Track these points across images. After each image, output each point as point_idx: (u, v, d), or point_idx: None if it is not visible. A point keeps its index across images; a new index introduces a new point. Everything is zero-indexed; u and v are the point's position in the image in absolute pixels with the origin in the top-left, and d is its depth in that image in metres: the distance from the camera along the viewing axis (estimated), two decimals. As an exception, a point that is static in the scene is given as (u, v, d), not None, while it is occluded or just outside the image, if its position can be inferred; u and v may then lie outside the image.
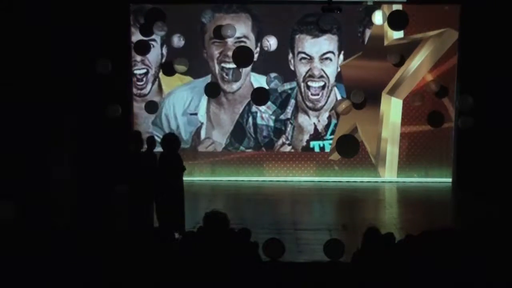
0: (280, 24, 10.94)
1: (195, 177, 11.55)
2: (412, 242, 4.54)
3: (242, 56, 8.42)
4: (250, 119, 11.16)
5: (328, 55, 11.09)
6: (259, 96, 8.82)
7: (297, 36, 11.10)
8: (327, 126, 11.28)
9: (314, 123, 11.22)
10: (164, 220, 7.26)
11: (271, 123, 11.18)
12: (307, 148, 11.31)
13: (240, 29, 10.82)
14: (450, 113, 11.37)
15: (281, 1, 11.07)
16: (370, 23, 10.89)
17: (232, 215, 5.20)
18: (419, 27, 11.42)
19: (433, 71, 11.47)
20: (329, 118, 11.38)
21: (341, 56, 11.14)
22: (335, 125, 11.23)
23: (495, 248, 4.73)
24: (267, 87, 10.05)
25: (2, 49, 8.94)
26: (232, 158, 11.83)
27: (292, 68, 11.20)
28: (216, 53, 11.12)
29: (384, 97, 11.62)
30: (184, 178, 7.55)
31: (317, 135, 11.29)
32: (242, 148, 11.24)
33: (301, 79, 11.27)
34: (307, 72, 11.25)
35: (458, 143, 11.34)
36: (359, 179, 11.77)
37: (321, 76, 11.16)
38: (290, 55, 11.14)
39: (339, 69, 11.20)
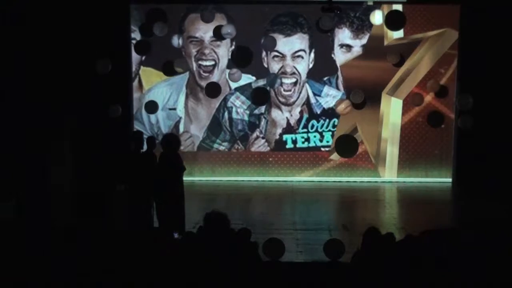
0: (253, 24, 11.16)
1: (195, 177, 11.57)
2: (412, 242, 4.53)
3: (242, 56, 8.41)
4: (226, 114, 11.58)
5: (300, 53, 11.43)
6: (259, 96, 8.81)
7: (270, 35, 11.18)
8: (299, 120, 11.63)
9: (287, 118, 11.59)
10: (164, 220, 7.26)
11: (246, 118, 11.57)
12: (280, 141, 11.65)
13: None
14: (450, 113, 11.38)
15: (263, 1, 11.35)
16: (339, 23, 11.21)
17: (232, 215, 5.19)
18: (419, 27, 11.43)
19: (433, 71, 11.48)
20: (301, 112, 11.67)
21: (312, 54, 11.42)
22: (307, 119, 11.56)
23: (495, 248, 4.73)
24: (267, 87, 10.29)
25: (2, 49, 8.95)
26: (232, 158, 11.87)
27: (266, 66, 11.47)
28: (193, 51, 11.47)
29: (384, 97, 11.63)
30: (184, 178, 7.55)
31: (289, 129, 11.64)
32: (218, 141, 11.58)
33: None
34: (279, 69, 11.52)
35: (458, 143, 11.35)
36: (359, 179, 11.78)
37: (293, 73, 11.48)
38: (264, 53, 11.36)
39: (310, 66, 11.49)
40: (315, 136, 11.62)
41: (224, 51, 11.46)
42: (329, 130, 11.60)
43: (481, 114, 9.23)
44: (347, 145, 7.67)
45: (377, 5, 11.02)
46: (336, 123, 11.59)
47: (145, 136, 7.86)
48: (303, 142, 11.64)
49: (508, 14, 10.15)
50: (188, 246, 4.71)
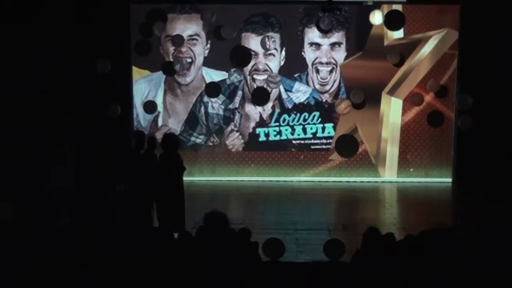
0: (227, 24, 11.19)
1: (195, 177, 11.58)
2: (412, 242, 4.53)
3: (240, 56, 8.42)
4: (202, 109, 11.97)
5: (272, 51, 11.69)
6: (260, 96, 8.82)
7: (243, 34, 11.70)
8: (271, 115, 11.94)
9: (260, 112, 11.93)
10: (164, 220, 7.26)
11: (221, 112, 11.95)
12: (253, 135, 11.97)
13: (192, 28, 11.73)
14: (450, 113, 11.38)
15: (239, 2, 11.74)
16: (309, 22, 11.58)
17: (232, 215, 5.21)
18: (419, 27, 11.44)
19: (433, 71, 11.49)
20: (273, 107, 11.98)
21: (283, 52, 11.71)
22: (279, 114, 11.88)
23: (495, 248, 4.73)
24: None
25: (2, 49, 8.94)
26: (232, 158, 11.90)
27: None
28: (171, 49, 11.75)
29: (384, 97, 11.64)
30: (184, 178, 7.55)
31: (262, 123, 11.95)
32: (195, 134, 11.91)
33: (247, 73, 11.87)
34: (252, 66, 11.81)
35: (458, 143, 11.35)
36: (359, 179, 11.79)
37: (265, 70, 11.77)
38: None
39: (281, 63, 11.79)
40: (286, 130, 11.90)
41: (200, 49, 11.77)
42: (300, 124, 11.87)
43: (481, 114, 9.23)
44: (347, 145, 7.68)
45: (376, 5, 11.04)
46: (306, 117, 11.83)
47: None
48: (275, 135, 11.96)
49: (508, 14, 10.15)
50: (188, 246, 4.71)
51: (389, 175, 11.81)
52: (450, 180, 11.60)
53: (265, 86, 10.98)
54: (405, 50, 11.33)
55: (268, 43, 11.20)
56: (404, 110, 11.64)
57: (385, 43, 11.48)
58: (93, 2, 10.11)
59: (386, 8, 10.98)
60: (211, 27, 11.52)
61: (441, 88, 11.15)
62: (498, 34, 10.24)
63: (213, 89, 9.31)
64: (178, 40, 10.47)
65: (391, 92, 11.60)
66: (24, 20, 9.15)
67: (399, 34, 11.34)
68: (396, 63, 11.07)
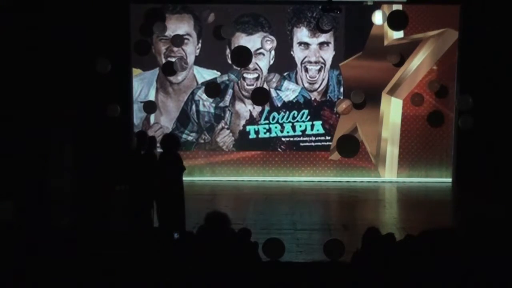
0: (218, 23, 11.36)
1: (195, 177, 11.58)
2: (412, 242, 4.53)
3: (241, 56, 8.42)
4: (194, 107, 12.06)
5: (261, 50, 11.77)
6: (259, 96, 8.82)
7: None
8: (261, 113, 12.02)
9: (250, 110, 12.01)
10: (164, 220, 7.26)
11: (212, 110, 12.04)
12: (244, 132, 12.04)
13: (184, 27, 11.79)
14: (450, 113, 11.38)
15: (229, 2, 11.76)
16: (297, 22, 11.67)
17: (232, 215, 5.18)
18: (419, 27, 11.44)
19: (433, 71, 11.49)
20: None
21: (272, 51, 11.79)
22: (268, 111, 11.95)
23: (495, 248, 4.73)
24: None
25: (2, 49, 8.95)
26: (232, 158, 11.89)
27: (230, 62, 11.53)
28: (163, 48, 11.82)
29: (384, 97, 11.64)
30: (184, 178, 7.54)
31: (252, 121, 12.05)
32: (186, 131, 12.02)
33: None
34: None
35: (458, 143, 11.35)
36: (359, 179, 11.78)
37: (255, 69, 11.86)
38: (228, 50, 11.60)
39: (271, 62, 11.86)
40: (276, 127, 11.96)
41: (191, 48, 11.81)
42: (289, 122, 11.94)
43: (481, 114, 9.24)
44: (348, 145, 7.68)
45: (377, 5, 11.04)
46: (295, 115, 11.90)
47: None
48: (265, 133, 12.03)
49: (508, 14, 10.15)
50: (188, 246, 4.71)
51: (389, 175, 11.81)
52: (450, 180, 11.60)
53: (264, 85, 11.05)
54: (405, 50, 11.32)
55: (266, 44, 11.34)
56: (404, 110, 11.64)
57: (385, 43, 11.48)
58: (93, 2, 10.12)
59: (386, 8, 10.97)
60: (208, 27, 11.58)
61: (441, 88, 11.15)
62: (498, 34, 10.25)
63: (214, 90, 9.34)
64: (178, 40, 10.48)
65: (391, 92, 11.60)
66: (25, 21, 9.16)
67: (399, 34, 11.34)
68: (396, 63, 11.07)
